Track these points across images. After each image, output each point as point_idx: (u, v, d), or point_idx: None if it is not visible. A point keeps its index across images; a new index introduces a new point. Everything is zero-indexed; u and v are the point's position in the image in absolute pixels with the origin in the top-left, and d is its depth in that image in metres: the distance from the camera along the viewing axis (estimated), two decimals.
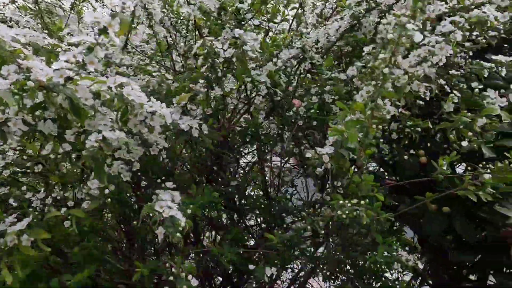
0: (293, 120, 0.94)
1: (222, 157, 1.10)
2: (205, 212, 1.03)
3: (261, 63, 0.91)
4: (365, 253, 1.04)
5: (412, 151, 1.17)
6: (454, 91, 0.90)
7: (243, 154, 1.11)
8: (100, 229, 0.97)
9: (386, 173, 1.47)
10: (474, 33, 0.81)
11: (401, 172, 1.36)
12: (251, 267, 0.84)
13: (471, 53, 0.88)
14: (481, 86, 0.93)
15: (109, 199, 0.76)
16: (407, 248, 1.08)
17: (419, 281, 1.27)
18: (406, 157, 1.23)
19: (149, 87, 0.83)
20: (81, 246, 0.84)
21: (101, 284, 0.88)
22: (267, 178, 1.14)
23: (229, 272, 1.03)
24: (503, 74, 0.99)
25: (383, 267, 0.99)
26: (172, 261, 0.68)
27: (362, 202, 0.70)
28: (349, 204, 0.69)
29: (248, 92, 0.98)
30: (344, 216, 0.68)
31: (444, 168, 0.96)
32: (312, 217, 0.76)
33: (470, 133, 0.85)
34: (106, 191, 0.72)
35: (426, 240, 1.32)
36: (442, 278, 1.28)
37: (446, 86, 0.90)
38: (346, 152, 0.72)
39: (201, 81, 0.87)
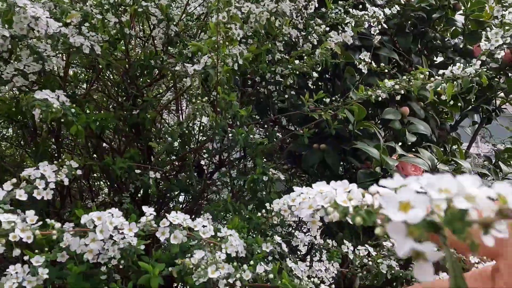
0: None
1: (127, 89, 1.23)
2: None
3: None
4: (247, 174, 1.24)
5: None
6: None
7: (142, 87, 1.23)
8: None
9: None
10: None
11: (293, 119, 1.58)
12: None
13: None
14: None
15: None
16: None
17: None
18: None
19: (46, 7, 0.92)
20: None
21: None
22: None
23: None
24: None
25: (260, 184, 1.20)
26: None
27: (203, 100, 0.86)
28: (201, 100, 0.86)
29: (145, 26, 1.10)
30: (198, 111, 0.84)
31: (309, 102, 1.17)
32: None
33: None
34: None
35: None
36: None
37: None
38: (213, 71, 0.89)
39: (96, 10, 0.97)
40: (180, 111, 1.73)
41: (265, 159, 1.26)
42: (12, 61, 0.88)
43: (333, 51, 1.09)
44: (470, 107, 1.71)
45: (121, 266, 0.81)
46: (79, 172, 0.77)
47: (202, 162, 1.49)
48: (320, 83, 1.66)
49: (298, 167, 1.63)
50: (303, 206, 0.54)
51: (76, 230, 0.59)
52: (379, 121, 1.56)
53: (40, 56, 0.89)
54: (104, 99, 1.49)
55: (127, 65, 1.14)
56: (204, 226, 0.62)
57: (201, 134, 1.29)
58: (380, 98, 1.01)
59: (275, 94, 1.35)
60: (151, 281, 0.76)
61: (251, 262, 0.74)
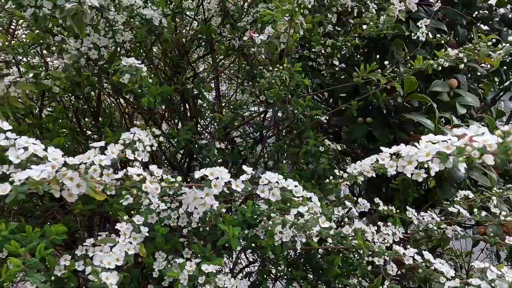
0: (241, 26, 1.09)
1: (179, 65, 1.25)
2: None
3: None
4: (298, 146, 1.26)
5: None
6: None
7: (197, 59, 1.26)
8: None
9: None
10: None
11: (337, 93, 1.59)
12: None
13: None
14: None
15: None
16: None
17: None
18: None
19: None
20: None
21: None
22: None
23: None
24: None
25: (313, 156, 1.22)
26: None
27: (284, 66, 0.88)
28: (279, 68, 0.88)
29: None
30: (274, 80, 0.86)
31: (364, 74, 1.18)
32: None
33: None
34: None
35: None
36: None
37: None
38: (277, 41, 0.90)
39: None
40: (218, 89, 1.76)
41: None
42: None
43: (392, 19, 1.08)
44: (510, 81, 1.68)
45: (201, 229, 0.86)
46: (161, 139, 0.80)
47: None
48: (360, 57, 1.65)
49: (340, 141, 1.64)
50: (403, 163, 0.57)
51: (191, 184, 0.63)
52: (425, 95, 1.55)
53: (113, 29, 0.92)
54: (152, 74, 1.52)
55: (184, 39, 1.16)
56: (296, 186, 0.65)
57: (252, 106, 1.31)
58: (440, 67, 1.01)
59: (323, 67, 1.36)
60: (231, 242, 0.81)
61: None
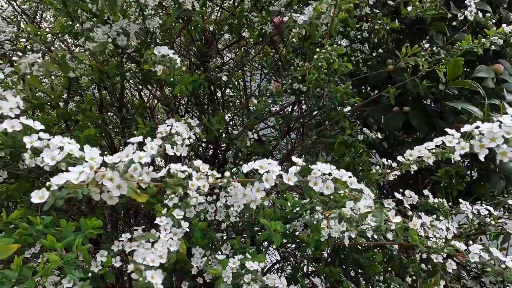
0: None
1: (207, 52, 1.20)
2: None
3: None
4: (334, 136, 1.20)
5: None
6: None
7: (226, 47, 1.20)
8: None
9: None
10: None
11: (371, 81, 1.51)
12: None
13: None
14: None
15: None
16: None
17: None
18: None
19: None
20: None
21: None
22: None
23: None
24: None
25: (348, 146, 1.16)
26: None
27: (330, 48, 0.81)
28: (323, 50, 0.81)
29: None
30: (319, 62, 0.80)
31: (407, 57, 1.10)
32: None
33: None
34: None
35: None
36: None
37: None
38: (319, 22, 0.84)
39: None
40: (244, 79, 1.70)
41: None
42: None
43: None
44: None
45: (240, 223, 0.81)
46: (197, 130, 0.75)
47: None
48: (392, 44, 1.56)
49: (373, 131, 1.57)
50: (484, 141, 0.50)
51: (240, 180, 0.57)
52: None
53: (144, 14, 0.87)
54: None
55: (214, 25, 1.10)
56: (350, 177, 0.59)
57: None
58: (492, 47, 0.93)
59: (359, 53, 1.28)
60: (273, 237, 0.76)
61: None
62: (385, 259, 0.97)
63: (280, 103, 1.09)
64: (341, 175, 0.59)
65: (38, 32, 1.03)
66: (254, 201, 0.56)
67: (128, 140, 0.54)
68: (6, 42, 0.99)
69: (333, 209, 0.66)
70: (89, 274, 0.63)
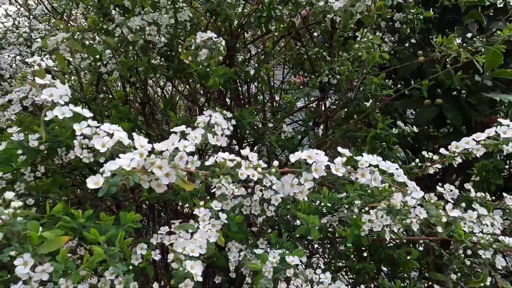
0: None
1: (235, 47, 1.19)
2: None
3: None
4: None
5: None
6: None
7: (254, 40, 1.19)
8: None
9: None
10: None
11: (400, 74, 1.47)
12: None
13: None
14: None
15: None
16: None
17: None
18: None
19: None
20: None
21: None
22: None
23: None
24: None
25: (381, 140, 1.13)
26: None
27: (372, 37, 0.79)
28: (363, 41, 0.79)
29: None
30: (360, 53, 0.78)
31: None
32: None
33: None
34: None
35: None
36: None
37: None
38: (354, 9, 0.81)
39: None
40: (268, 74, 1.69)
41: None
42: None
43: None
44: None
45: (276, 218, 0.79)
46: (233, 121, 0.74)
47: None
48: (420, 35, 1.51)
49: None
50: None
51: (286, 170, 0.56)
52: None
53: (176, 6, 0.87)
54: None
55: (243, 18, 1.09)
56: (397, 169, 0.57)
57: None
58: None
59: (389, 44, 1.25)
60: (311, 232, 0.74)
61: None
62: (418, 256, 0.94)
63: (310, 97, 1.06)
64: (388, 167, 0.57)
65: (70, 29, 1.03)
66: (302, 192, 0.55)
67: (172, 130, 0.54)
68: (39, 39, 1.01)
69: (376, 203, 0.64)
70: (130, 267, 0.63)
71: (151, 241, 0.69)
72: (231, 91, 1.21)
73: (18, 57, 0.99)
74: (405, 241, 0.98)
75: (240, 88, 1.30)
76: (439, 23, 1.45)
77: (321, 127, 1.51)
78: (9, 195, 0.42)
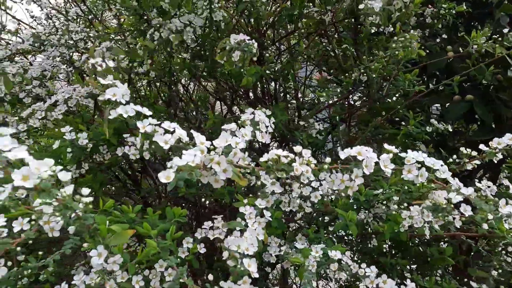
0: None
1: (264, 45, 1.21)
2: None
3: None
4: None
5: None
6: None
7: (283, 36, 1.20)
8: None
9: None
10: None
11: (429, 70, 1.46)
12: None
13: None
14: None
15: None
16: None
17: None
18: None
19: None
20: None
21: None
22: None
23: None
24: None
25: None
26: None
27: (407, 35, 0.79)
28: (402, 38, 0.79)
29: None
30: (396, 51, 0.78)
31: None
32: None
33: None
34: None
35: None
36: None
37: None
38: (392, 8, 0.82)
39: None
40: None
41: None
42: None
43: None
44: None
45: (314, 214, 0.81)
46: (273, 119, 0.76)
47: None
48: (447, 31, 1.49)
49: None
50: None
51: (335, 166, 0.58)
52: None
53: (211, 7, 0.89)
54: None
55: (274, 16, 1.10)
56: (442, 166, 0.57)
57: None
58: None
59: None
60: (349, 227, 0.75)
61: None
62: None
63: (337, 94, 1.07)
64: (433, 163, 0.57)
65: (107, 31, 1.07)
66: (351, 187, 0.56)
67: (223, 127, 0.56)
68: (79, 41, 1.04)
69: (418, 199, 0.65)
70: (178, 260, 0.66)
71: (195, 236, 0.71)
72: (260, 88, 1.23)
73: (58, 58, 1.03)
74: (431, 237, 0.98)
75: (268, 85, 1.31)
76: (469, 18, 1.43)
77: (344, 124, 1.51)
78: (85, 191, 0.45)
